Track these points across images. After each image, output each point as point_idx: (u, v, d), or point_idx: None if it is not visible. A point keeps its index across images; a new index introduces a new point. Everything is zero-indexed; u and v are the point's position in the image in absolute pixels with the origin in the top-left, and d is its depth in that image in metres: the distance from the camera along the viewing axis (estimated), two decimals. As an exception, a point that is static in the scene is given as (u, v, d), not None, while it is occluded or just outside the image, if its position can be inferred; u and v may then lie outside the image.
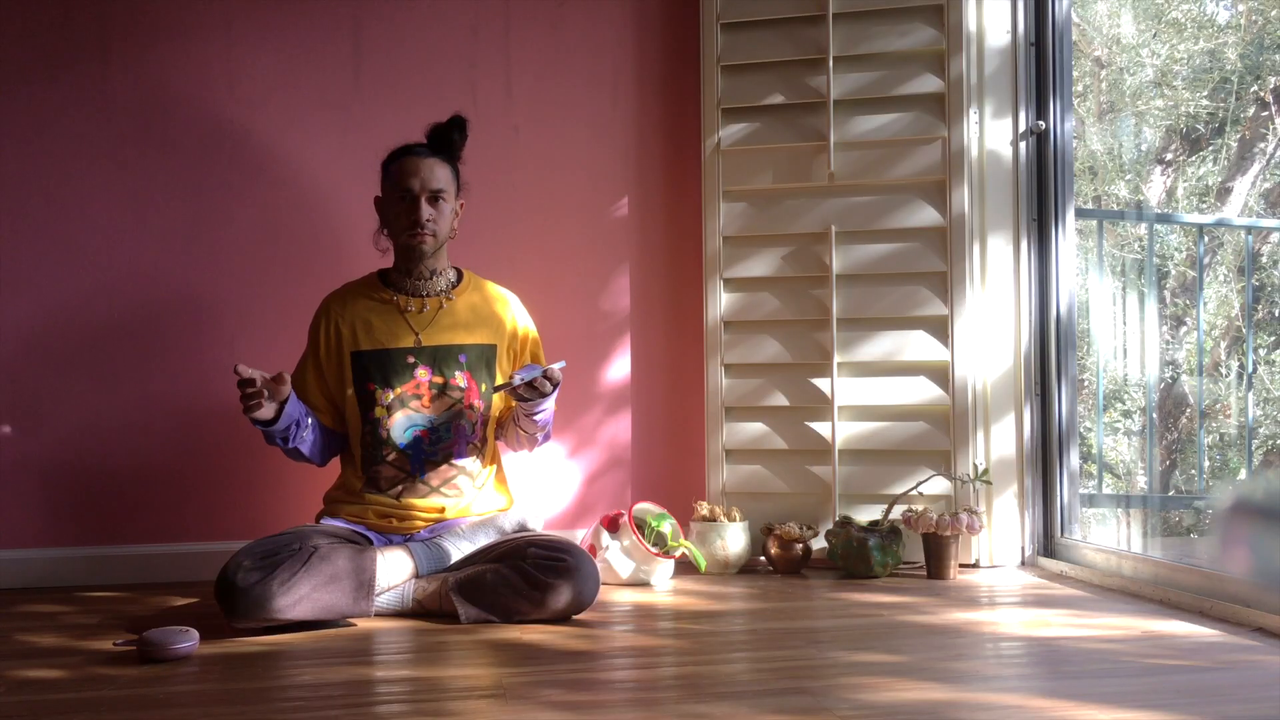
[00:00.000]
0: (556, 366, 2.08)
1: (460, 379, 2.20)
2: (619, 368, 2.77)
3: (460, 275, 2.30)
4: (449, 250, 2.30)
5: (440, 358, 2.19)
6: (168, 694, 1.53)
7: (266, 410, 2.00)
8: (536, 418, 2.19)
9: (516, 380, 2.05)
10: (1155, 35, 5.47)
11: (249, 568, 1.88)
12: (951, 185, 2.55)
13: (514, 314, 2.31)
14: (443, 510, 2.18)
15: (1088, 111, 5.54)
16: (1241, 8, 5.34)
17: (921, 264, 2.57)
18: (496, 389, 2.11)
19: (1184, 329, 5.12)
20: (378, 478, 2.18)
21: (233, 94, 2.60)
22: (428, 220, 2.16)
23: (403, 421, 2.17)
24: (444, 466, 2.19)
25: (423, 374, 2.18)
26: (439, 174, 2.18)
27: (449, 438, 2.19)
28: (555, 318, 2.68)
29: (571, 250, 2.75)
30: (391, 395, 2.17)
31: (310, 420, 2.16)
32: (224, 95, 2.60)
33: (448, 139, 2.23)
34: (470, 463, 2.22)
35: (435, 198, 2.18)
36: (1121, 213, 5.41)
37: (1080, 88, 5.47)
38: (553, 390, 2.11)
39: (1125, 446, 4.91)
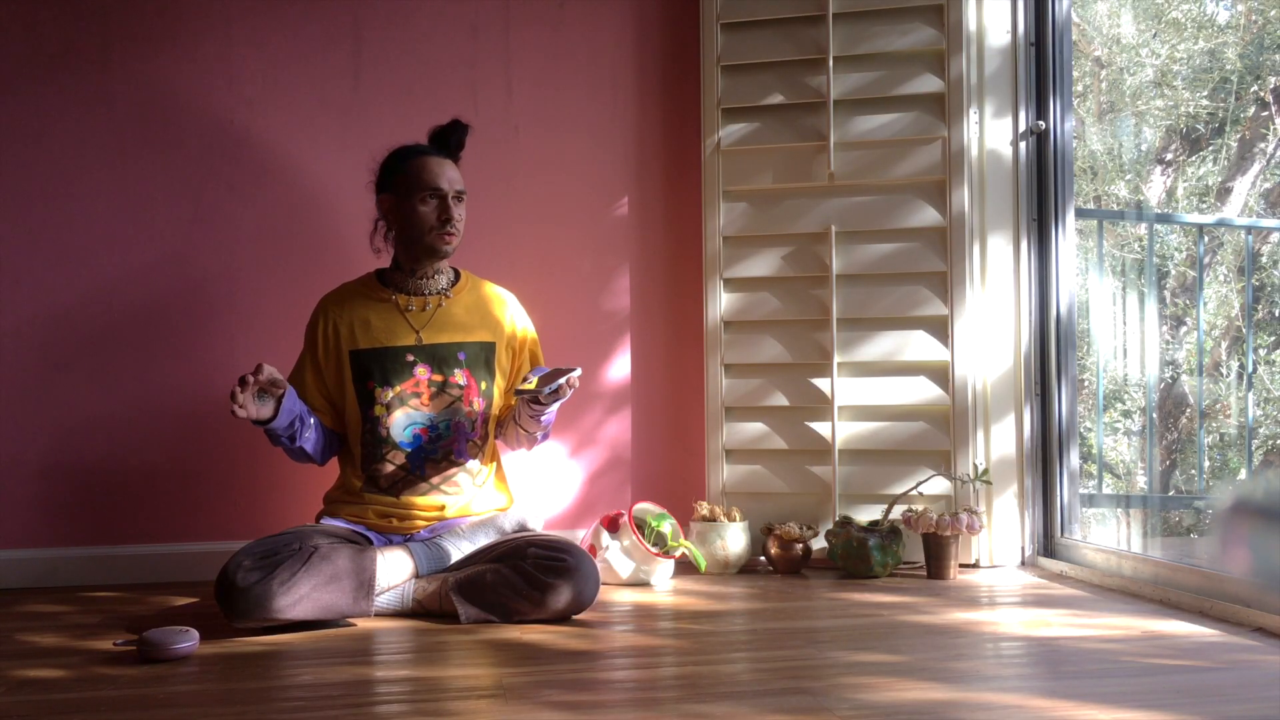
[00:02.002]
0: (575, 374, 2.08)
1: (460, 377, 2.20)
2: (619, 368, 2.77)
3: (457, 275, 2.31)
4: None
5: (440, 356, 2.20)
6: (168, 694, 1.53)
7: (264, 409, 2.00)
8: (541, 418, 2.19)
9: (544, 390, 2.04)
10: (1155, 35, 5.47)
11: (249, 568, 1.88)
12: (951, 185, 2.55)
13: (512, 313, 2.31)
14: (443, 508, 2.19)
15: (1088, 111, 5.54)
16: (1241, 8, 5.34)
17: (921, 264, 2.57)
18: (518, 393, 2.09)
19: (1184, 329, 5.12)
20: (378, 476, 2.19)
21: (233, 94, 2.61)
22: (458, 220, 2.18)
23: (402, 420, 2.17)
24: (444, 464, 2.19)
25: (422, 372, 2.19)
26: (458, 175, 2.21)
27: (449, 435, 2.19)
28: (555, 318, 2.68)
29: (571, 250, 2.75)
30: (391, 393, 2.17)
31: (312, 419, 2.17)
32: (224, 95, 2.60)
33: (457, 140, 2.24)
34: (470, 460, 2.22)
35: (459, 198, 2.20)
36: (1121, 213, 5.40)
37: (1080, 88, 5.47)
38: (568, 395, 2.12)
39: (1125, 446, 4.91)
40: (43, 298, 2.53)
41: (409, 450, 2.18)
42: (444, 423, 2.19)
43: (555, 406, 2.16)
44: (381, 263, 2.33)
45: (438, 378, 2.19)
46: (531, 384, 2.07)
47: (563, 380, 2.06)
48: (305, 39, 2.63)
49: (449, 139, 2.24)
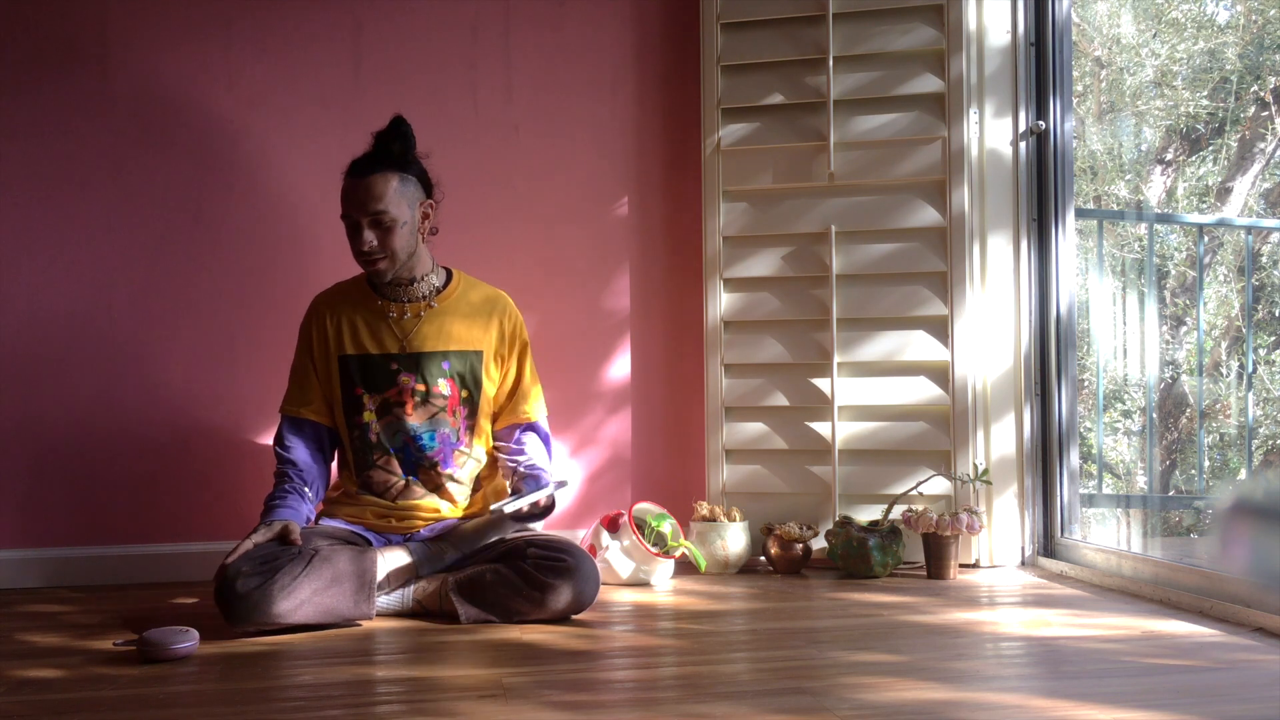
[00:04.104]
0: (551, 490, 2.05)
1: (443, 387, 2.16)
2: (619, 368, 2.77)
3: (449, 277, 2.24)
4: (434, 249, 2.23)
5: (423, 365, 2.15)
6: (168, 694, 1.53)
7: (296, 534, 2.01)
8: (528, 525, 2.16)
9: (508, 507, 1.97)
10: (1155, 35, 5.47)
11: (248, 573, 1.87)
12: (951, 185, 2.55)
13: (502, 318, 2.23)
14: (438, 510, 2.18)
15: (1088, 111, 5.54)
16: (1241, 8, 5.34)
17: (921, 264, 2.57)
18: (492, 510, 2.00)
19: (1184, 329, 5.12)
20: (370, 482, 2.17)
21: (233, 94, 2.60)
22: (372, 247, 2.06)
23: (390, 427, 2.15)
24: (433, 473, 2.16)
25: (405, 381, 2.14)
26: (379, 191, 2.04)
27: (434, 446, 2.16)
28: (555, 318, 2.68)
29: (571, 250, 2.75)
30: (377, 401, 2.14)
31: (310, 493, 2.14)
32: (224, 95, 2.60)
33: (386, 150, 2.10)
34: (459, 470, 2.19)
35: (378, 220, 2.05)
36: (1121, 213, 5.41)
37: (1080, 88, 5.47)
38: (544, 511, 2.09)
39: (1125, 446, 4.92)
40: (42, 297, 2.53)
41: (399, 458, 2.16)
42: (428, 433, 2.15)
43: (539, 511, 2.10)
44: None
45: (421, 387, 2.15)
46: (506, 508, 1.99)
47: (537, 498, 2.02)
48: (305, 38, 2.63)
49: (390, 144, 2.10)
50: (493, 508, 2.00)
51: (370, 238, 2.06)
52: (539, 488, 2.09)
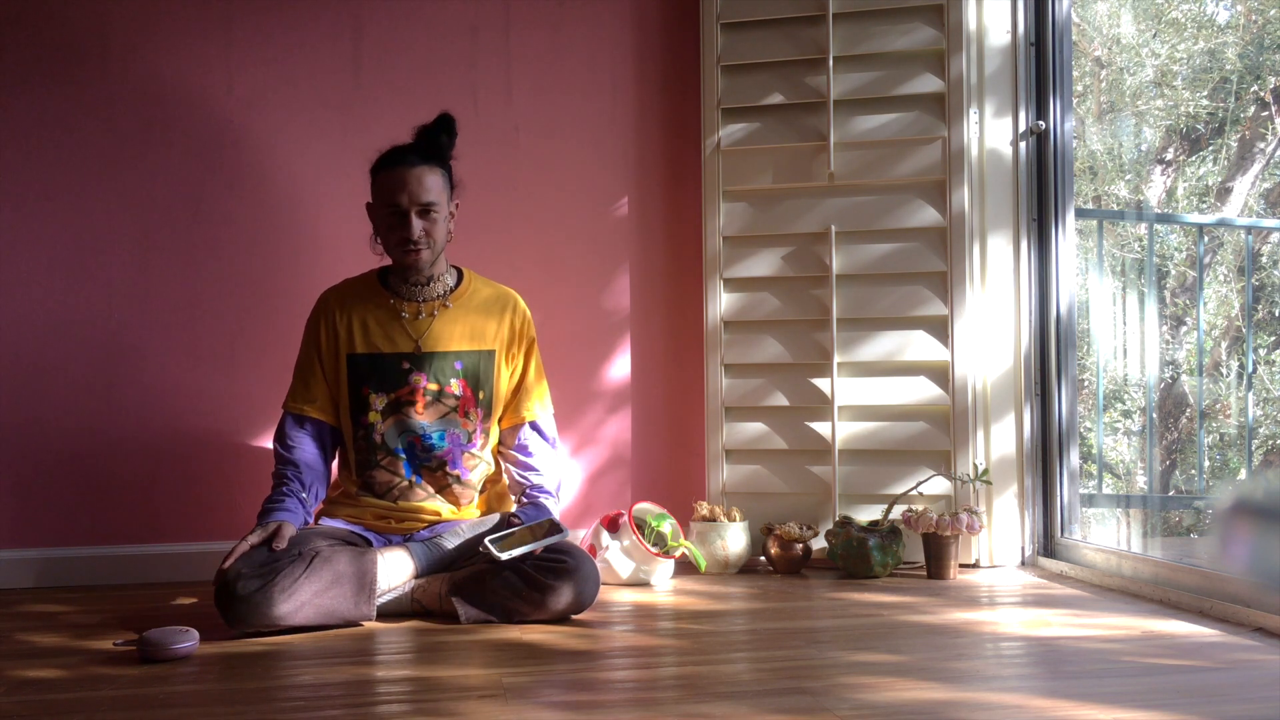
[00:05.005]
0: (551, 541, 2.03)
1: (456, 387, 2.16)
2: (619, 367, 2.77)
3: (460, 276, 2.26)
4: (447, 250, 2.25)
5: (436, 365, 2.15)
6: (168, 694, 1.53)
7: (285, 539, 1.98)
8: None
9: (503, 555, 1.96)
10: (1155, 35, 5.47)
11: (248, 575, 1.86)
12: (951, 185, 2.55)
13: (513, 316, 2.24)
14: (439, 513, 2.17)
15: (1087, 111, 5.54)
16: (1241, 8, 5.34)
17: (921, 264, 2.57)
18: (483, 548, 1.98)
19: (1184, 329, 5.12)
20: (372, 483, 2.17)
21: (232, 94, 2.60)
22: (420, 237, 2.08)
23: (396, 427, 2.14)
24: (439, 474, 2.16)
25: (417, 380, 2.14)
26: (428, 183, 2.08)
27: (443, 446, 2.16)
28: (555, 318, 2.68)
29: (571, 250, 2.75)
30: (385, 401, 2.14)
31: (308, 496, 2.13)
32: (224, 95, 2.60)
33: (436, 142, 2.14)
34: (467, 473, 2.19)
35: (426, 211, 2.08)
36: (1121, 213, 5.41)
37: (1080, 88, 5.47)
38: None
39: (1125, 446, 4.92)
40: (42, 297, 2.53)
41: (403, 458, 2.16)
42: (438, 433, 2.15)
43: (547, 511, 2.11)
44: (386, 261, 2.31)
45: (433, 386, 2.15)
46: (499, 547, 1.98)
47: (534, 549, 2.00)
48: (305, 38, 2.63)
49: (437, 138, 2.13)
50: (488, 540, 1.99)
51: (419, 227, 2.08)
52: (538, 518, 2.12)
